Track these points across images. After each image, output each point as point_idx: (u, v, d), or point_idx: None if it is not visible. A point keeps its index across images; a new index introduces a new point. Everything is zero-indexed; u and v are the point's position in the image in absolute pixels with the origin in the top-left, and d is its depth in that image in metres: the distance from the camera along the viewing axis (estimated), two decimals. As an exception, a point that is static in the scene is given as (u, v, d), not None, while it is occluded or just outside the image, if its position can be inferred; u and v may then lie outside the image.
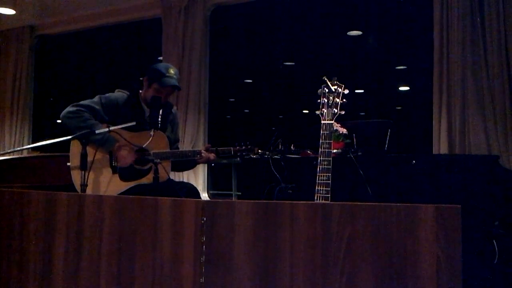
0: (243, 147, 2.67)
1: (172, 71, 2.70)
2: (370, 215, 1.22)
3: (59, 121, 2.60)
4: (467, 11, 3.30)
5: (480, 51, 3.25)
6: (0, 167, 3.70)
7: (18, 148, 5.12)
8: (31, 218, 1.65)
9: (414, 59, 6.24)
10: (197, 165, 3.00)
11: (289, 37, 6.28)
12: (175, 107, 2.98)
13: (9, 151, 5.11)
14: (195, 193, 2.77)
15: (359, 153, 2.87)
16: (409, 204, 1.20)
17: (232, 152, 2.67)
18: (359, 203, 1.23)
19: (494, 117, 3.18)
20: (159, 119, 2.60)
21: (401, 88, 8.07)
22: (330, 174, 1.92)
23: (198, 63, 4.43)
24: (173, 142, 2.84)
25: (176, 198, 1.43)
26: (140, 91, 2.77)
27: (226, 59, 6.69)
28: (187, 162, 2.79)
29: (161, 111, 2.66)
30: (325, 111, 2.00)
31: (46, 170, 3.62)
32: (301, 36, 6.17)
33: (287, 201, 1.31)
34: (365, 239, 1.21)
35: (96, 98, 2.67)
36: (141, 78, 2.79)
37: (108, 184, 2.56)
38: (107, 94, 2.72)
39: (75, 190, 2.46)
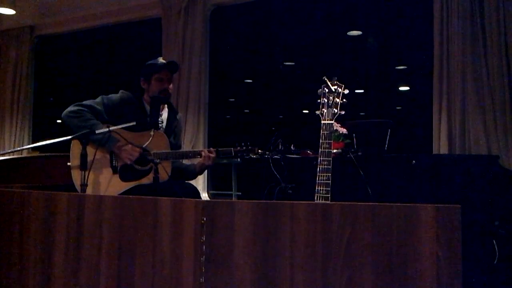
0: (244, 148, 2.67)
1: (161, 58, 2.77)
2: (370, 215, 1.22)
3: (59, 121, 2.60)
4: (467, 11, 3.30)
5: (480, 51, 3.25)
6: (0, 167, 3.70)
7: (18, 148, 5.10)
8: (31, 218, 1.65)
9: (414, 59, 6.25)
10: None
11: (289, 37, 6.28)
12: (180, 114, 2.98)
13: (9, 151, 5.10)
14: (195, 193, 2.77)
15: (359, 153, 2.87)
16: (409, 204, 1.20)
17: (233, 153, 2.67)
18: (359, 203, 1.23)
19: (494, 117, 3.18)
20: (160, 119, 2.60)
21: (401, 88, 8.08)
22: (330, 174, 1.92)
23: (198, 63, 4.42)
24: (175, 148, 2.83)
25: (176, 198, 1.43)
26: (144, 95, 2.78)
27: (226, 59, 6.68)
28: (187, 173, 2.84)
29: (162, 113, 2.65)
30: (325, 111, 2.00)
31: (46, 170, 3.61)
32: (301, 36, 6.16)
33: (287, 201, 1.31)
34: (365, 239, 1.21)
35: (99, 99, 2.67)
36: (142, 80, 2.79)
37: (108, 184, 2.56)
38: (110, 95, 2.71)
39: (75, 190, 2.45)
